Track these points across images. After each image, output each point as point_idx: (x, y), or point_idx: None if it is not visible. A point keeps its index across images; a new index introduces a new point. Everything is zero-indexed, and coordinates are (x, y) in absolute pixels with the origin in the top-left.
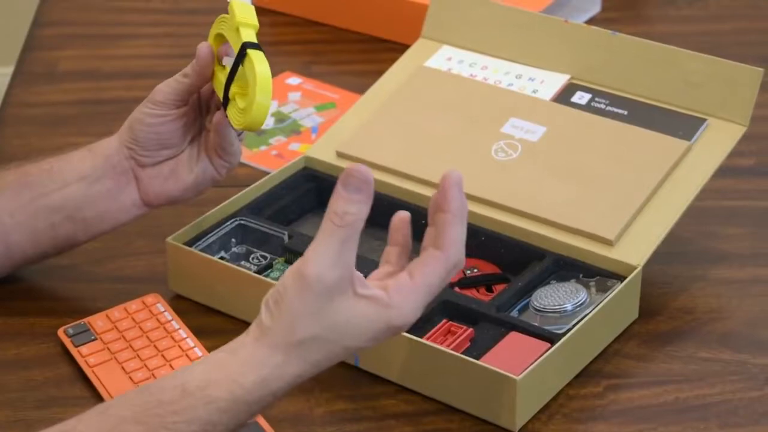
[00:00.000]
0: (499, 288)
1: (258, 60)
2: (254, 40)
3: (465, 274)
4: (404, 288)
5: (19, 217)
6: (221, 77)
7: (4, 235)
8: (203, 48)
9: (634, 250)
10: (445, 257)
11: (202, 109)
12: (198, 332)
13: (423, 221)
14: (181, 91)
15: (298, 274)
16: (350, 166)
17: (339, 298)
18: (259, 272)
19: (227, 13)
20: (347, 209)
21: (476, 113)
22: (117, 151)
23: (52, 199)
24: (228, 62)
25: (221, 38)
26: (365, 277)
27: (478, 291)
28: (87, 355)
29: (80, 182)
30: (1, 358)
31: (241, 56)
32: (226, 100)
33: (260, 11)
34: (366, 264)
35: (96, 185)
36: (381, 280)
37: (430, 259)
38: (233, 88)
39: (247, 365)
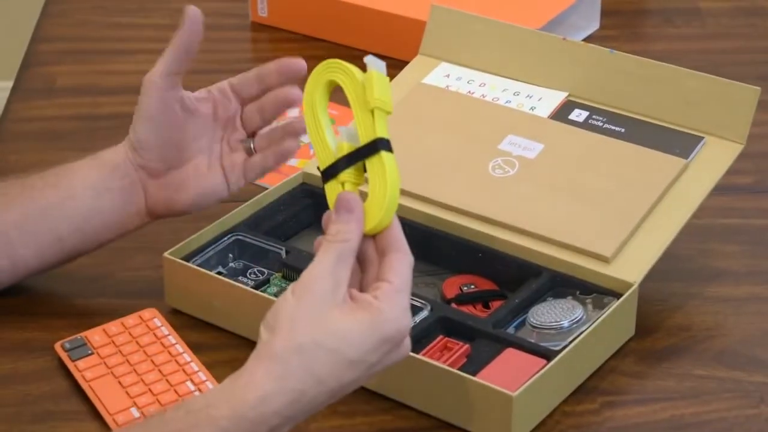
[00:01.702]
0: (495, 304)
1: (391, 166)
2: (387, 134)
3: (462, 290)
4: (389, 294)
5: (26, 231)
6: (323, 136)
7: (11, 249)
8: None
9: (631, 268)
10: (405, 255)
11: (230, 126)
12: (195, 347)
13: (420, 237)
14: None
15: (296, 286)
16: (341, 192)
17: (336, 307)
18: (256, 287)
19: (330, 58)
20: (340, 228)
21: (474, 130)
22: (124, 160)
23: (59, 211)
24: (345, 138)
25: (330, 86)
26: None
27: (474, 307)
28: (84, 370)
29: (87, 194)
30: None
31: (370, 150)
32: (329, 174)
33: (259, 27)
34: None
35: (103, 196)
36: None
37: (395, 262)
38: (346, 174)
39: (249, 383)
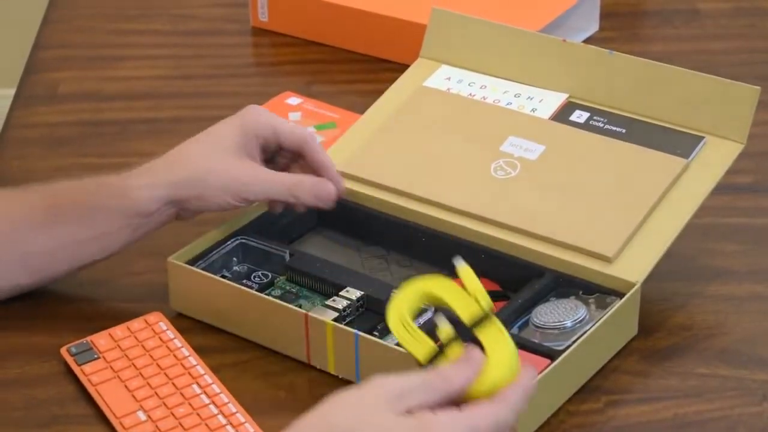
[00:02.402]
0: (498, 305)
1: (505, 337)
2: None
3: None
4: (452, 419)
5: (56, 256)
6: (417, 335)
7: (36, 272)
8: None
9: (633, 267)
10: (504, 407)
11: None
12: (200, 350)
13: (423, 239)
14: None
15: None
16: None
17: (389, 410)
18: (260, 291)
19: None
20: (448, 371)
21: (475, 132)
22: (158, 209)
23: (91, 245)
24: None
25: (424, 300)
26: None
27: None
28: (90, 374)
29: (123, 231)
30: (5, 377)
31: (483, 319)
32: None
33: (259, 32)
34: (366, 281)
35: (138, 231)
36: None
37: (489, 409)
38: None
39: None
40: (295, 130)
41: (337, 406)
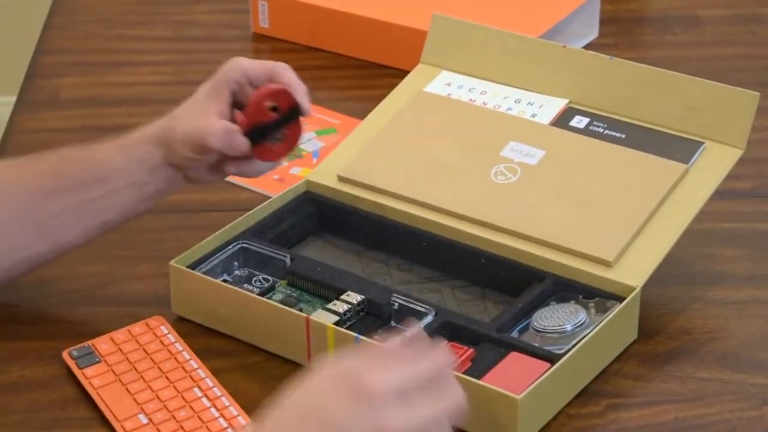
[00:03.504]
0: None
1: None
2: None
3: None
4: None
5: (67, 220)
6: None
7: (52, 237)
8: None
9: (633, 272)
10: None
11: None
12: (201, 354)
13: (423, 244)
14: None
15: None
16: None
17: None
18: (261, 295)
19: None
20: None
21: (476, 137)
22: (162, 164)
23: (103, 204)
24: None
25: None
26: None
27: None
28: (91, 377)
29: (130, 188)
30: (7, 381)
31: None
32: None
33: (260, 38)
34: (366, 285)
35: (146, 188)
36: None
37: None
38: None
39: None
40: (264, 63)
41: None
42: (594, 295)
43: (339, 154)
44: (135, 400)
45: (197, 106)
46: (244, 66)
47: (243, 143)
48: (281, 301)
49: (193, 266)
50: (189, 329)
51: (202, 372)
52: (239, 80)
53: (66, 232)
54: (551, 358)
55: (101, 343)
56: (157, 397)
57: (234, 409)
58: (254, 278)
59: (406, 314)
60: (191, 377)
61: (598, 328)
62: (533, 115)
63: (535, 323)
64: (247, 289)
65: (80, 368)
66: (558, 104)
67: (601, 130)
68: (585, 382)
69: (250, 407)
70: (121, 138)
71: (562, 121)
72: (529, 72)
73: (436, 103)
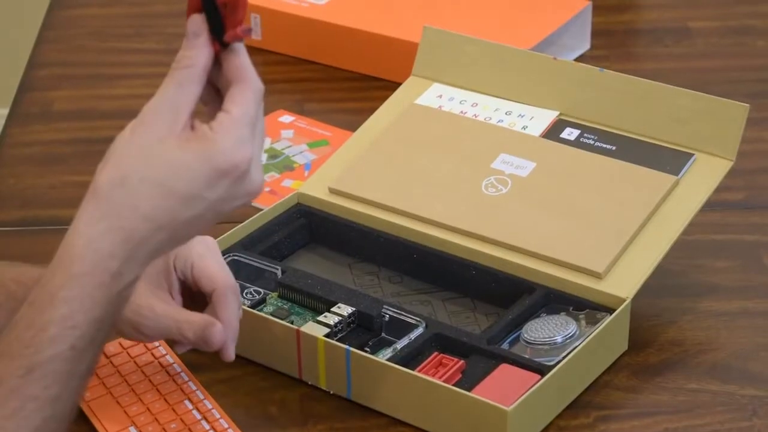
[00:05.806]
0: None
1: None
2: None
3: None
4: (224, 123)
5: None
6: None
7: None
8: None
9: (624, 283)
10: (248, 85)
11: None
12: (193, 367)
13: (414, 256)
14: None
15: (134, 120)
16: (192, 15)
17: (173, 137)
18: (252, 307)
19: None
20: (185, 53)
21: (467, 149)
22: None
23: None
24: None
25: None
26: None
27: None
28: None
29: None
30: None
31: None
32: None
33: (252, 50)
34: (357, 297)
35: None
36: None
37: (237, 91)
38: None
39: (73, 232)
40: (216, 277)
41: (119, 163)
42: (584, 307)
43: (330, 167)
44: (126, 412)
45: (148, 285)
46: (197, 269)
47: (219, 340)
48: (272, 314)
49: None
50: None
51: (193, 384)
52: (187, 275)
53: None
54: (541, 370)
55: None
56: (149, 409)
57: (225, 422)
58: (245, 290)
59: (396, 326)
60: (182, 390)
61: (588, 339)
62: (524, 127)
63: (526, 335)
64: None
65: None
66: (549, 116)
67: (591, 142)
68: (575, 394)
69: (240, 420)
70: None
71: (552, 133)
72: (520, 84)
73: (427, 116)
